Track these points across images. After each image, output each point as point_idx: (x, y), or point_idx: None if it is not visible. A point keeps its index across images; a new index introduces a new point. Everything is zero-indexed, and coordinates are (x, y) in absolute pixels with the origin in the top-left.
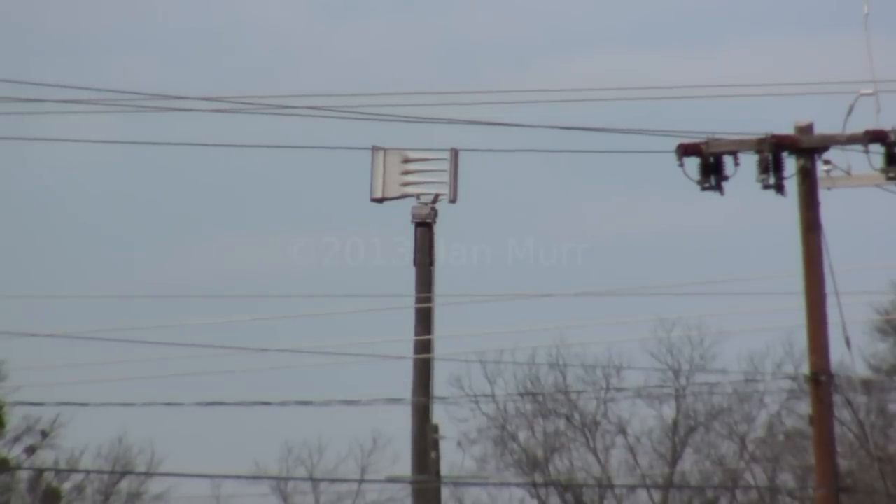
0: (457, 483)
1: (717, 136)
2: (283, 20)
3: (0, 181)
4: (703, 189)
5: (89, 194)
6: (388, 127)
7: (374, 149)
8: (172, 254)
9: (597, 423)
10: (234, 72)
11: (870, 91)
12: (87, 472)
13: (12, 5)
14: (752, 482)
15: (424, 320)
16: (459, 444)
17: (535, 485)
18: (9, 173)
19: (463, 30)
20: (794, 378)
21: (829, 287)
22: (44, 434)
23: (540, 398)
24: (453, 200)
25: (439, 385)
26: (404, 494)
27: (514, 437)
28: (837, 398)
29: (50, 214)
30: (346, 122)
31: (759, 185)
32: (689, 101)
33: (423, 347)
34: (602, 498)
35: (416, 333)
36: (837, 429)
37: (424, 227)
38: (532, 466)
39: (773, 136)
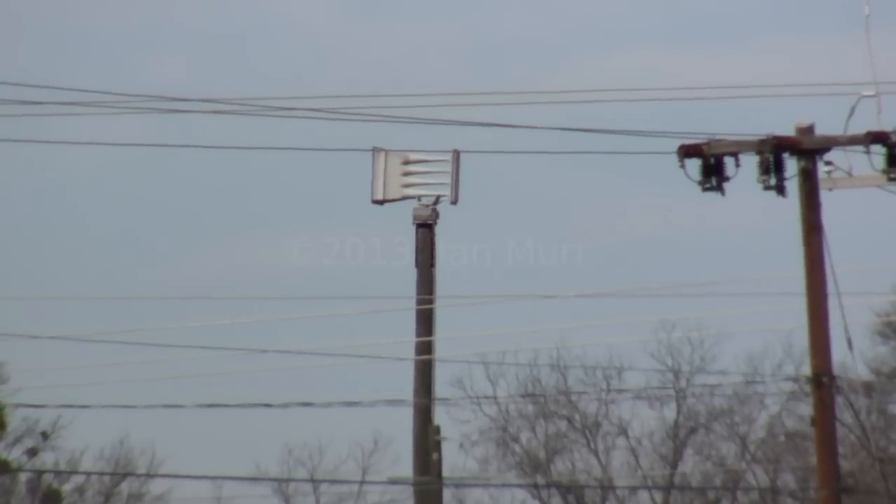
0: (458, 484)
1: (718, 138)
2: (312, 21)
3: (5, 182)
4: (704, 190)
5: (91, 196)
6: (392, 128)
7: (375, 150)
8: (173, 255)
9: (598, 425)
10: (263, 73)
11: (871, 92)
12: (88, 473)
13: (28, 4)
14: (754, 483)
15: (426, 321)
16: (461, 445)
17: (536, 486)
18: (14, 175)
19: (493, 29)
20: (795, 379)
21: (830, 288)
22: (45, 436)
23: (541, 400)
24: (454, 202)
25: (441, 386)
26: (406, 496)
27: (515, 439)
28: (839, 399)
29: (51, 216)
30: (349, 124)
31: (761, 186)
32: (699, 102)
33: (425, 349)
34: (604, 499)
35: (418, 334)
36: (839, 430)
37: (425, 229)
38: (534, 468)
39: (775, 138)
